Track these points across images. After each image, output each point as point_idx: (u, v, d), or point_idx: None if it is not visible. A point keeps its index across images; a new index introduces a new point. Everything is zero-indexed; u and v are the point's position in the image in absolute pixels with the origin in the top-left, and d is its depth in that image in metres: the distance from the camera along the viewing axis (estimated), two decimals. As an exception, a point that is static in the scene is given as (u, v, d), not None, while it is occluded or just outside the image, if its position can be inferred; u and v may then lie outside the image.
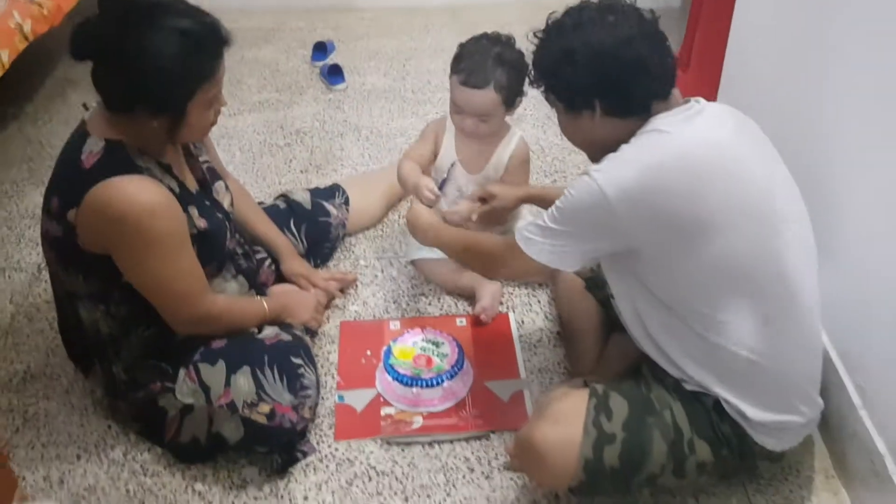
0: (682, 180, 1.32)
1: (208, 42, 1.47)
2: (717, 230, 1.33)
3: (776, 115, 1.74)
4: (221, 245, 1.68)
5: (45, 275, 2.16)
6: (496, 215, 1.98)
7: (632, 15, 1.39)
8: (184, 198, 1.56)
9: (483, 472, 1.67)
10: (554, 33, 1.42)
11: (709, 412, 1.46)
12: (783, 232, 1.39)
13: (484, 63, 1.84)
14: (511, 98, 1.89)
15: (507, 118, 1.99)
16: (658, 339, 1.49)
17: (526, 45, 1.56)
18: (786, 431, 1.48)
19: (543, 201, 1.91)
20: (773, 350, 1.41)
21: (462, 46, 1.91)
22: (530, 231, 1.47)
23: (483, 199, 1.95)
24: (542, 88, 1.47)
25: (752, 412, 1.43)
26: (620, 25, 1.36)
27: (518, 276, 1.62)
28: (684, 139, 1.36)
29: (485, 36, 1.92)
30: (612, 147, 1.40)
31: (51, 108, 2.94)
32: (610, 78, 1.37)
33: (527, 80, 1.52)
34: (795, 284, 1.41)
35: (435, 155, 2.07)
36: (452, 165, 2.01)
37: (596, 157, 1.47)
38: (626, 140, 1.39)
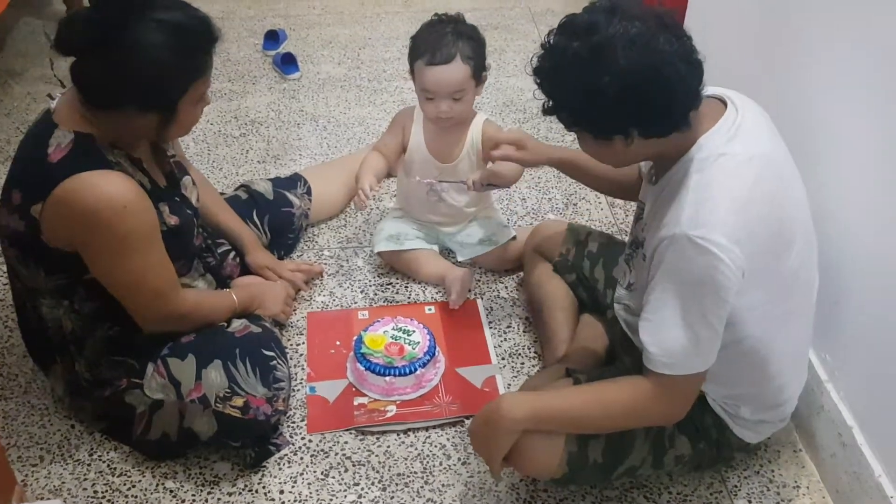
0: (768, 210, 1.27)
1: (201, 37, 1.43)
2: (794, 242, 1.33)
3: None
4: (190, 242, 1.64)
5: (-4, 272, 2.09)
6: (503, 177, 1.81)
7: (648, 18, 1.19)
8: (154, 193, 1.52)
9: (460, 459, 1.67)
10: (569, 64, 1.20)
11: (692, 407, 1.47)
12: (811, 233, 1.41)
13: (444, 39, 1.85)
14: (478, 70, 1.89)
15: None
16: None
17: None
18: (767, 425, 1.53)
19: (575, 166, 1.73)
20: (792, 349, 1.45)
21: (415, 36, 1.91)
22: (665, 353, 1.28)
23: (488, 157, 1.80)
24: (560, 117, 1.29)
25: (746, 410, 1.47)
26: (643, 38, 1.17)
27: (684, 411, 1.38)
28: (750, 162, 1.27)
29: (434, 19, 1.92)
30: (651, 161, 1.36)
31: (-8, 101, 2.84)
32: (648, 104, 1.19)
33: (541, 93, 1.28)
34: (814, 284, 1.45)
35: (403, 147, 2.05)
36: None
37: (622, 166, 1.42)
38: (667, 153, 1.30)
